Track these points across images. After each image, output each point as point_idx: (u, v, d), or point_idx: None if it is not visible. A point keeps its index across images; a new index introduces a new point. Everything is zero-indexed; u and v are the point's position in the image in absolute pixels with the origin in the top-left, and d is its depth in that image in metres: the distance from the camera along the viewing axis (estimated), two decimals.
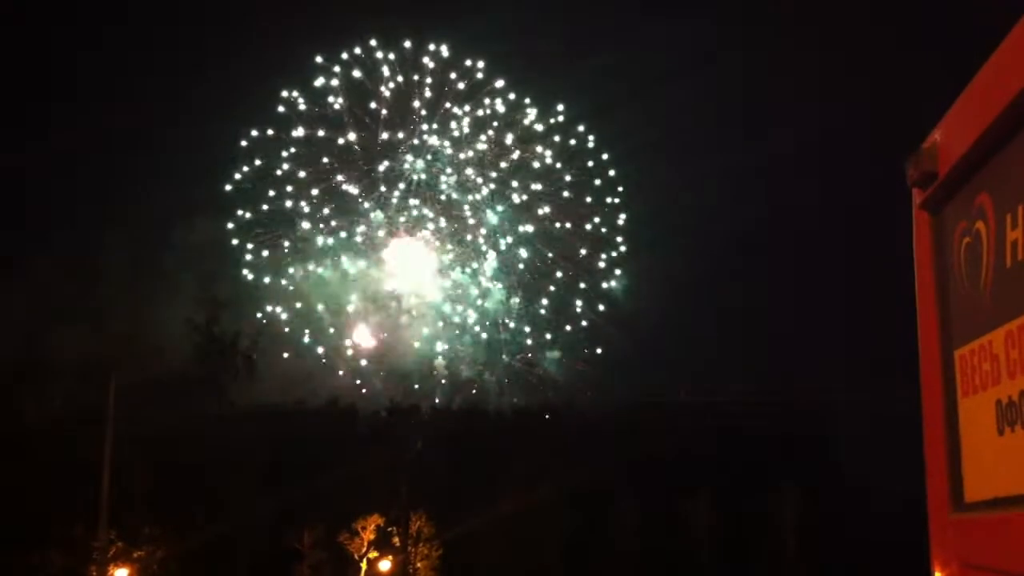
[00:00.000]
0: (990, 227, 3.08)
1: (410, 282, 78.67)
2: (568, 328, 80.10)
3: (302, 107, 78.38)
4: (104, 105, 74.06)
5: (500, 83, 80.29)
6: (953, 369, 3.35)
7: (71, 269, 58.76)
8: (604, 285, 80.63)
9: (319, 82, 78.98)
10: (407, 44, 78.90)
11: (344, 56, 79.08)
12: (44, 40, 75.69)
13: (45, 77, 74.16)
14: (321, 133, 78.43)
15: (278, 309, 76.40)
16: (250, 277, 76.29)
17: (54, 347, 54.10)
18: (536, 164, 79.89)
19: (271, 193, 77.89)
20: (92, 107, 74.86)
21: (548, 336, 79.88)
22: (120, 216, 69.98)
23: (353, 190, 78.26)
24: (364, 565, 55.13)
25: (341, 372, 76.09)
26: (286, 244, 77.57)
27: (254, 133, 77.43)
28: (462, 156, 79.26)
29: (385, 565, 55.65)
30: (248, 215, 77.55)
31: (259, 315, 74.92)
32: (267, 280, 76.95)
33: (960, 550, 3.32)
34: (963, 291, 3.30)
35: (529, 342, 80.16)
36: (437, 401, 74.79)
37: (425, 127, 78.86)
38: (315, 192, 77.79)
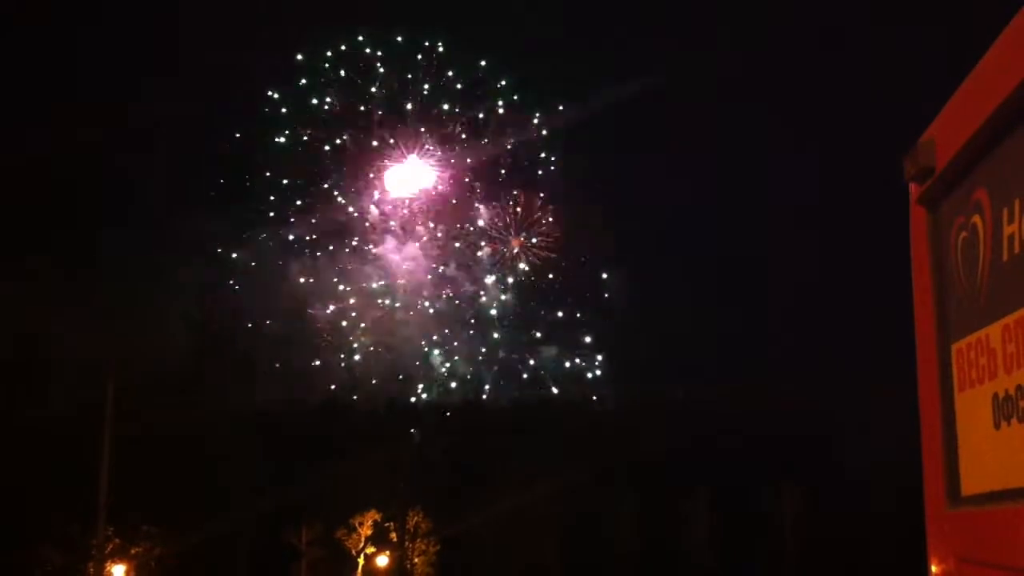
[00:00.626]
0: (987, 222, 3.09)
1: (406, 280, 78.46)
2: (565, 328, 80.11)
3: (284, 110, 77.71)
4: (89, 105, 73.93)
5: (502, 82, 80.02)
6: (950, 363, 3.36)
7: (68, 268, 58.77)
8: (605, 295, 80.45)
9: (304, 81, 78.45)
10: (399, 39, 78.41)
11: (328, 53, 78.46)
12: (28, 39, 75.49)
13: (29, 76, 73.95)
14: (305, 138, 77.85)
15: (268, 321, 76.20)
16: (237, 288, 76.02)
17: (53, 345, 54.12)
18: (540, 172, 79.49)
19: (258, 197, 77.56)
20: (77, 107, 74.77)
21: (544, 335, 79.83)
22: (112, 216, 69.96)
23: (341, 200, 77.78)
24: (361, 561, 55.16)
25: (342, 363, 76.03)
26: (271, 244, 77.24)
27: (237, 135, 77.07)
28: (454, 162, 78.82)
29: (383, 561, 55.69)
30: (235, 218, 77.34)
31: (250, 325, 74.73)
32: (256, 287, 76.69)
33: (957, 544, 3.33)
34: (960, 286, 3.31)
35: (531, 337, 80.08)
36: (434, 398, 74.80)
37: (423, 129, 78.35)
38: (299, 202, 77.31)
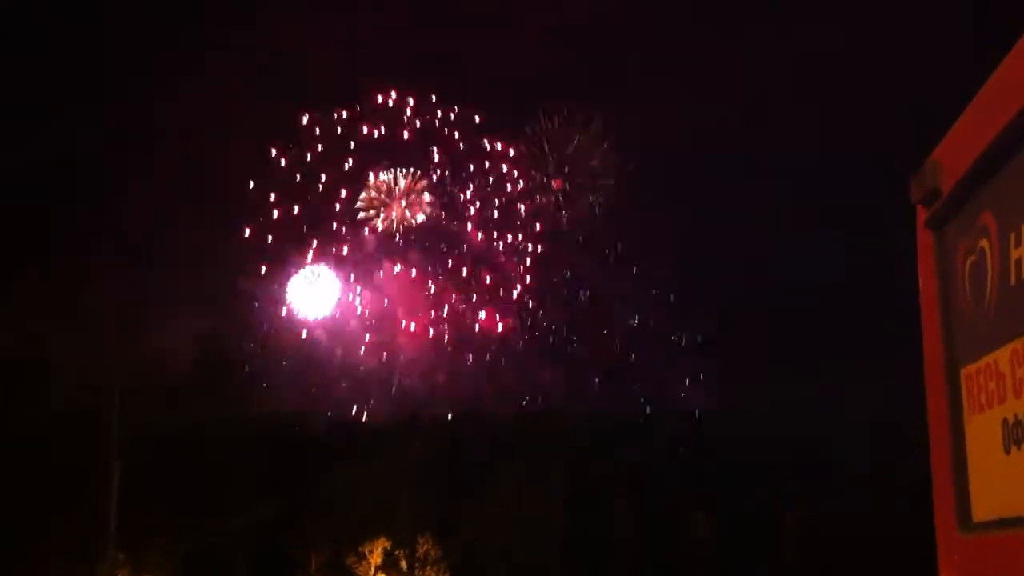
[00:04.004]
0: (994, 245, 3.08)
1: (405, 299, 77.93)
2: (568, 337, 79.74)
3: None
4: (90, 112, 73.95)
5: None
6: (959, 388, 3.34)
7: (74, 276, 58.82)
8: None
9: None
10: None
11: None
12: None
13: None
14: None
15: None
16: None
17: (58, 354, 54.21)
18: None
19: None
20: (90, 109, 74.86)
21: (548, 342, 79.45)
22: (117, 223, 69.97)
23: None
24: None
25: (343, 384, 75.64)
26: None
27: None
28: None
29: None
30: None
31: (252, 344, 74.40)
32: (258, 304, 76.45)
33: (968, 570, 3.30)
34: (968, 309, 3.29)
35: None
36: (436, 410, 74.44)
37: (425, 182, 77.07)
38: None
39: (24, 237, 61.17)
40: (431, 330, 77.34)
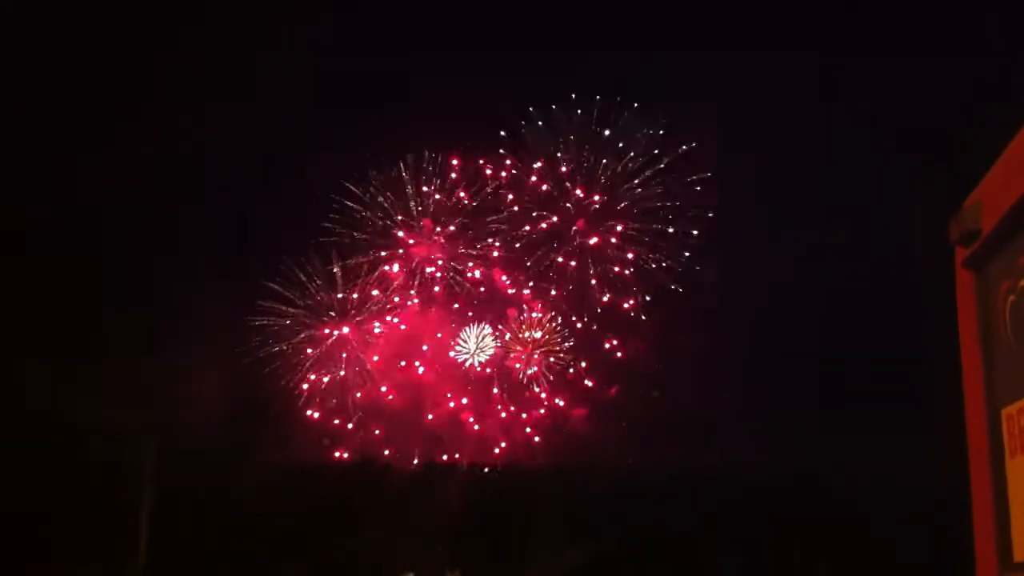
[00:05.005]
0: None
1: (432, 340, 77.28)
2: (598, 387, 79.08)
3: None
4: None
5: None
6: (1000, 428, 3.32)
7: (96, 334, 58.70)
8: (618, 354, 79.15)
9: None
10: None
11: None
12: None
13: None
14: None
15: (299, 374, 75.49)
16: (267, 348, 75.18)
17: (86, 412, 53.99)
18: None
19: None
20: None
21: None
22: (132, 282, 69.92)
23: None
24: None
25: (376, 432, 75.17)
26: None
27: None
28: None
29: None
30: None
31: (282, 382, 73.86)
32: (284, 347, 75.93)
33: None
34: (1008, 350, 3.27)
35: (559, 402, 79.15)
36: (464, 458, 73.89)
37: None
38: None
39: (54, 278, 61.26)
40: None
